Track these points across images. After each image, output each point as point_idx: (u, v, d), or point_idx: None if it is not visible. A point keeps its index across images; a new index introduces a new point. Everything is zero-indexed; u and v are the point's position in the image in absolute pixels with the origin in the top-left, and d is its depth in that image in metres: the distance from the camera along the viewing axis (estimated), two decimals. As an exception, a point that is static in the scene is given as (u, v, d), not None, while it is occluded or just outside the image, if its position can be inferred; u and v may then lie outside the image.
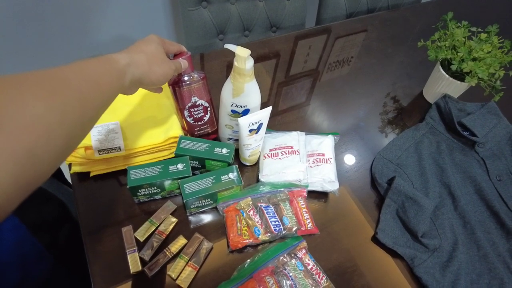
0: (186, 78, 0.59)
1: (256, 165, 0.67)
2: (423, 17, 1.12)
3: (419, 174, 0.70)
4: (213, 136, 0.68)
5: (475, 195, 0.69)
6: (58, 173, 0.82)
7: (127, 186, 0.54)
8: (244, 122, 0.56)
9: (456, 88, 0.76)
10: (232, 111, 0.59)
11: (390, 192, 0.64)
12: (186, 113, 0.62)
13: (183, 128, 0.65)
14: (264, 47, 0.93)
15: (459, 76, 0.74)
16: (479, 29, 0.74)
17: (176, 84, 0.59)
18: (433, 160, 0.72)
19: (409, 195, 0.62)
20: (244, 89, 0.55)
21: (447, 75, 0.75)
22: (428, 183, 0.68)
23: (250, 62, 0.52)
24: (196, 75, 0.60)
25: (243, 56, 0.51)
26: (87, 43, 1.32)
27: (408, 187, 0.63)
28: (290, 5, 1.13)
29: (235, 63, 0.52)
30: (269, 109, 0.58)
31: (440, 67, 0.77)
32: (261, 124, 0.58)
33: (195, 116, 0.63)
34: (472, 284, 0.57)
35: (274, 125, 0.75)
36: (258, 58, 0.89)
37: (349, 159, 0.72)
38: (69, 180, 0.63)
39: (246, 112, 0.59)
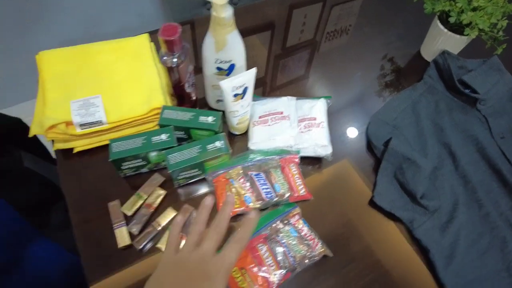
0: (181, 57, 0.54)
1: (246, 133, 0.65)
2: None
3: (417, 135, 0.67)
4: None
5: (476, 154, 0.66)
6: (45, 154, 0.80)
7: (109, 160, 0.52)
8: (227, 86, 0.52)
9: (455, 43, 0.72)
10: (218, 68, 0.56)
11: (387, 154, 0.61)
12: (186, 85, 0.59)
13: (173, 96, 0.62)
14: (253, 13, 0.88)
15: (458, 29, 0.69)
16: (480, -23, 0.69)
17: (174, 68, 0.55)
18: (431, 120, 0.69)
19: (406, 156, 0.59)
20: (226, 41, 0.51)
21: (445, 29, 0.71)
22: (427, 144, 0.65)
23: (229, 10, 0.48)
24: (185, 45, 0.54)
25: (220, 4, 0.46)
26: (67, 18, 1.28)
27: (405, 148, 0.60)
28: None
29: (213, 12, 0.48)
30: (253, 71, 0.54)
31: (438, 21, 0.72)
32: (246, 88, 0.55)
33: (191, 83, 0.61)
34: (473, 244, 0.56)
35: (266, 92, 0.72)
36: (250, 29, 0.85)
37: (344, 123, 0.69)
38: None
39: (232, 68, 0.56)
